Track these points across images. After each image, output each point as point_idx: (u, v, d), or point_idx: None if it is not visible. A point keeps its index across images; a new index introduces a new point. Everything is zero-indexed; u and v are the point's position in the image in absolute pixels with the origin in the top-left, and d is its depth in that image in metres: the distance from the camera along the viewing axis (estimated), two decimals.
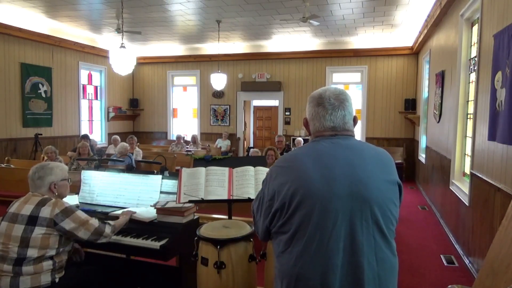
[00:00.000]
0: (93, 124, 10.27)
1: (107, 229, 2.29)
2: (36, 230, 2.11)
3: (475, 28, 4.32)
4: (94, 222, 2.25)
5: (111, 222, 2.37)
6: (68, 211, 2.17)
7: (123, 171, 3.22)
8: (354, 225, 1.25)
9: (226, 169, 2.62)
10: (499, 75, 2.96)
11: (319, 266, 1.24)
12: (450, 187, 4.85)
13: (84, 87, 9.84)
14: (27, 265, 2.09)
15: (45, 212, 2.13)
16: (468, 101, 4.57)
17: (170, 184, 2.89)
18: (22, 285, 2.08)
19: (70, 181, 2.43)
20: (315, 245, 1.25)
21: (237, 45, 10.04)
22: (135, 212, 2.64)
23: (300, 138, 8.54)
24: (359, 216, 1.26)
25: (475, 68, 4.05)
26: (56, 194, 2.30)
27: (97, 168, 3.30)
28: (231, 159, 2.93)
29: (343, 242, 1.25)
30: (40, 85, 8.28)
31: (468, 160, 4.41)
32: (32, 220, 2.12)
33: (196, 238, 2.30)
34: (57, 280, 2.19)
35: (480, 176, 3.54)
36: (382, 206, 1.29)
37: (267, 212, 1.39)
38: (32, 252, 2.10)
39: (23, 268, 2.09)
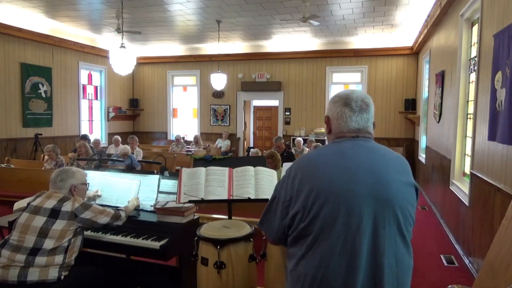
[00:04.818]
0: (93, 124, 10.27)
1: (122, 214, 2.55)
2: (57, 223, 2.27)
3: (475, 28, 4.32)
4: (110, 210, 2.50)
5: (123, 208, 2.62)
6: (86, 205, 2.40)
7: (123, 171, 3.22)
8: (377, 226, 1.26)
9: (226, 169, 2.62)
10: (499, 75, 2.96)
11: (344, 267, 1.23)
12: (450, 187, 4.85)
13: (84, 87, 9.85)
14: (41, 256, 2.20)
15: (67, 206, 2.32)
16: (468, 101, 4.56)
17: (170, 184, 2.89)
18: (30, 277, 2.16)
19: (88, 186, 2.66)
20: (339, 246, 1.24)
21: (237, 45, 10.04)
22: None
23: (300, 138, 8.54)
24: (382, 217, 1.26)
25: (475, 68, 4.05)
26: (76, 196, 2.49)
27: (97, 168, 3.30)
28: (231, 159, 2.93)
29: (367, 243, 1.24)
30: (40, 85, 8.28)
31: (468, 160, 4.40)
32: (55, 213, 2.29)
33: (196, 238, 2.30)
34: (62, 277, 2.26)
35: (480, 176, 3.54)
36: (403, 207, 1.30)
37: (284, 213, 1.37)
38: (48, 243, 2.22)
39: (37, 258, 2.19)
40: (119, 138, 8.06)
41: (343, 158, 1.33)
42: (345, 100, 1.42)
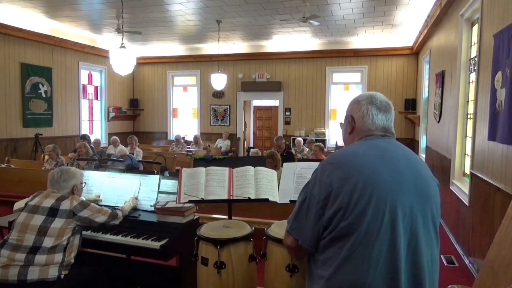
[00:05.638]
0: (93, 124, 10.27)
1: (119, 213, 2.59)
2: (56, 221, 2.30)
3: (475, 28, 4.32)
4: (107, 209, 2.54)
5: (119, 207, 2.67)
6: (84, 204, 2.44)
7: (123, 171, 3.22)
8: (417, 223, 1.22)
9: (226, 169, 2.62)
10: (499, 75, 2.96)
11: (388, 270, 1.17)
12: (450, 187, 4.85)
13: (84, 87, 9.85)
14: (41, 254, 2.22)
15: (65, 205, 2.36)
16: (468, 101, 4.56)
17: (170, 184, 2.89)
18: (30, 276, 2.17)
19: (85, 185, 2.74)
20: (386, 245, 1.17)
21: (237, 45, 10.04)
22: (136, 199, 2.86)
23: (300, 138, 8.54)
24: (422, 214, 1.23)
25: (475, 68, 4.05)
26: (75, 195, 2.56)
27: (97, 168, 3.30)
28: (231, 159, 2.94)
29: (408, 241, 1.20)
30: (40, 85, 8.28)
31: (468, 160, 4.40)
32: (53, 212, 2.32)
33: (196, 238, 2.29)
34: (62, 276, 2.26)
35: (480, 176, 3.54)
36: (437, 205, 1.29)
37: (319, 214, 1.27)
38: (48, 242, 2.24)
39: (36, 257, 2.21)
40: (117, 138, 8.07)
41: (381, 153, 1.30)
42: (371, 99, 1.41)
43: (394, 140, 1.41)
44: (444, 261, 4.06)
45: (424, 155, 7.62)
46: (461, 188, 4.40)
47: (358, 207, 1.19)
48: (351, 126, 1.43)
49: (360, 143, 1.38)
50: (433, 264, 1.24)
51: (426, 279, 1.20)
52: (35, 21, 7.71)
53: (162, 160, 4.42)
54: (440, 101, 5.83)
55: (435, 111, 6.27)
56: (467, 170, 4.35)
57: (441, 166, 5.59)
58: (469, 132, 4.34)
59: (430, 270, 1.22)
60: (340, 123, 1.55)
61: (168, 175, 2.98)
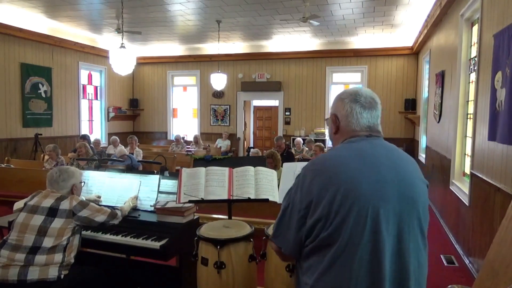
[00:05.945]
0: (93, 124, 10.27)
1: (119, 213, 2.59)
2: (55, 221, 2.30)
3: (475, 28, 4.32)
4: (107, 209, 2.54)
5: (119, 207, 2.67)
6: (84, 203, 2.44)
7: (122, 171, 3.22)
8: (402, 229, 1.19)
9: (226, 169, 2.62)
10: (499, 75, 2.96)
11: (372, 275, 1.15)
12: (450, 187, 4.85)
13: (84, 87, 9.85)
14: (41, 254, 2.22)
15: (65, 205, 2.36)
16: (468, 101, 4.56)
17: (170, 184, 2.89)
18: (30, 276, 2.18)
19: (84, 184, 2.74)
20: (368, 254, 1.15)
21: (237, 45, 10.04)
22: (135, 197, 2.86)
23: (299, 139, 8.54)
24: (407, 219, 1.20)
25: (475, 68, 4.05)
26: (74, 194, 2.55)
27: (97, 168, 3.30)
28: (231, 159, 2.93)
29: (392, 248, 1.18)
30: (40, 85, 8.28)
31: (468, 160, 4.40)
32: (53, 212, 2.32)
33: (196, 238, 2.30)
34: (62, 276, 2.26)
35: (480, 176, 3.54)
36: (424, 207, 1.26)
37: (300, 223, 1.24)
38: (47, 242, 2.25)
39: (36, 257, 2.21)
40: (117, 138, 8.07)
41: (365, 158, 1.25)
42: (354, 97, 1.34)
43: (381, 140, 1.34)
44: (444, 261, 4.06)
45: (424, 155, 7.62)
46: (461, 188, 4.40)
47: (338, 217, 1.17)
48: (336, 125, 1.38)
49: (343, 147, 1.33)
50: (420, 269, 1.23)
51: (412, 284, 1.19)
52: (35, 21, 7.70)
53: (162, 160, 4.43)
54: (440, 101, 5.83)
55: (435, 111, 6.27)
56: (467, 170, 4.35)
57: (441, 166, 5.59)
58: (469, 132, 4.34)
59: (416, 275, 1.21)
60: (326, 119, 1.50)
61: (168, 175, 2.98)
